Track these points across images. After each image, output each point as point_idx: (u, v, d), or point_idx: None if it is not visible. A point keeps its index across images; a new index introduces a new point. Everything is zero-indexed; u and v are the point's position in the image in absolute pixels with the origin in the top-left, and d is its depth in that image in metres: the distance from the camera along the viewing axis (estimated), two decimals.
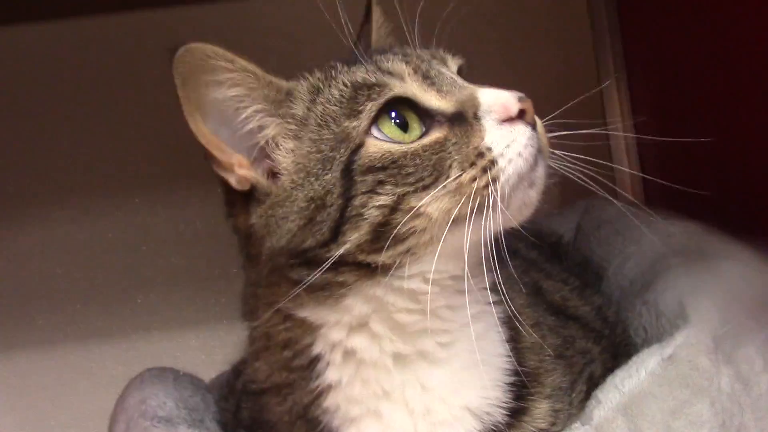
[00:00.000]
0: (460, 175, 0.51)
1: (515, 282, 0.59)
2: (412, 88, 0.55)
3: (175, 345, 1.38)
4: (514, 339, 0.58)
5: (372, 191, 0.52)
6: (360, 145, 0.53)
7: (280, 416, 0.57)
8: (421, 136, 0.53)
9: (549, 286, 0.70)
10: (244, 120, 0.56)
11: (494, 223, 0.50)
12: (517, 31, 1.33)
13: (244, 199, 0.57)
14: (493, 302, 0.57)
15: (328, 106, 0.56)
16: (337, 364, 0.55)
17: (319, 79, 0.59)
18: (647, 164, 1.29)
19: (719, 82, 0.97)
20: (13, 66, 1.31)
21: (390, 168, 0.52)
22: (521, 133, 0.51)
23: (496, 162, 0.51)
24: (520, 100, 0.52)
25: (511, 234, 0.60)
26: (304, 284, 0.52)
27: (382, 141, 0.53)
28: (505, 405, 0.56)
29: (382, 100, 0.54)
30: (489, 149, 0.52)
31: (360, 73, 0.56)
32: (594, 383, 0.59)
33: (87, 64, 1.31)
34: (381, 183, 0.52)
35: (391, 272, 0.52)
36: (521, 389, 0.57)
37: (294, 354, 0.57)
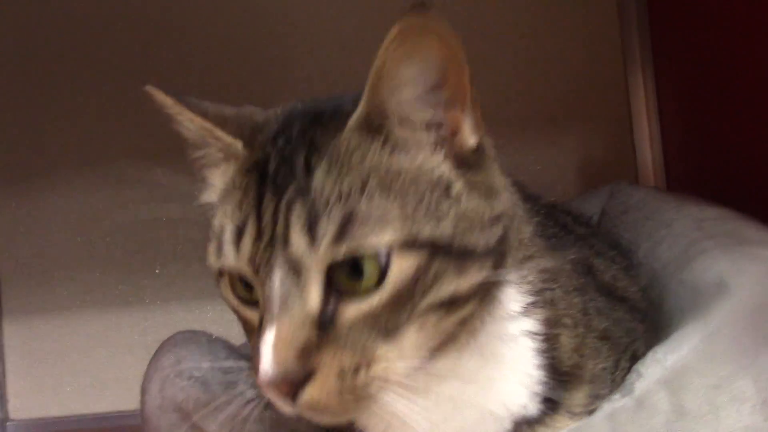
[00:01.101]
0: None
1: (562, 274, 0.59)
2: (250, 276, 0.50)
3: (192, 316, 1.39)
4: (550, 340, 0.57)
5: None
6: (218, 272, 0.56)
7: None
8: (250, 304, 0.53)
9: (599, 265, 0.69)
10: None
11: None
12: (544, 16, 1.32)
13: None
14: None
15: (218, 214, 0.57)
16: None
17: (245, 167, 0.56)
18: (670, 153, 1.29)
19: (746, 73, 0.97)
20: (39, 27, 1.31)
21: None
22: (274, 398, 0.48)
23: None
24: (267, 383, 0.46)
25: (558, 208, 0.60)
26: None
27: (227, 285, 0.56)
28: (538, 399, 0.56)
29: (216, 264, 0.54)
30: None
31: (232, 215, 0.53)
32: (636, 360, 0.59)
33: (118, 28, 1.31)
34: None
35: None
36: (557, 384, 0.56)
37: None
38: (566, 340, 0.57)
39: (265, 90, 1.32)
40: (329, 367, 0.46)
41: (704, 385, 0.55)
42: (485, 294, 0.51)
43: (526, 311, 0.56)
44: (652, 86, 1.30)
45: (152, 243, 1.38)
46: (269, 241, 0.47)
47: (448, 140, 0.51)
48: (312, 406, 0.46)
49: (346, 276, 0.47)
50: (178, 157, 1.37)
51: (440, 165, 0.51)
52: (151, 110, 1.35)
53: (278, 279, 0.47)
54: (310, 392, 0.46)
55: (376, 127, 0.50)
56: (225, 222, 0.50)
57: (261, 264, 0.48)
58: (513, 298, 0.55)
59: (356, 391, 0.46)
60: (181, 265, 1.37)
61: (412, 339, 0.48)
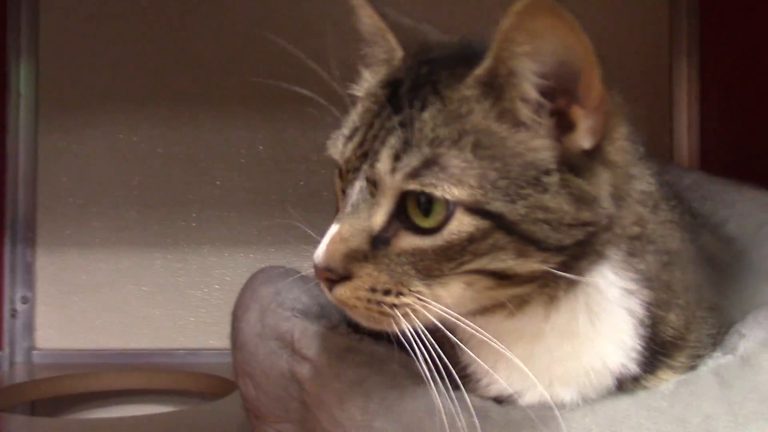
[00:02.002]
0: None
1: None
2: (344, 174, 0.56)
3: (224, 262, 1.40)
4: (657, 317, 0.58)
5: None
6: None
7: None
8: None
9: (706, 235, 0.72)
10: None
11: None
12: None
13: None
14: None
15: None
16: None
17: (381, 78, 0.60)
18: (707, 143, 1.32)
19: None
20: None
21: None
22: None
23: None
24: (316, 267, 0.53)
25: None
26: None
27: None
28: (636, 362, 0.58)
29: (331, 154, 0.57)
30: None
31: (354, 116, 0.58)
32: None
33: None
34: None
35: None
36: (657, 351, 0.59)
37: None
38: (675, 317, 0.59)
39: None
40: (363, 280, 0.51)
41: None
42: (548, 282, 0.53)
43: (631, 292, 0.58)
44: (696, 74, 1.32)
45: (190, 187, 1.38)
46: (364, 153, 0.52)
47: (561, 134, 0.52)
48: (341, 301, 0.52)
49: (415, 207, 0.51)
50: (221, 101, 1.38)
51: (541, 152, 0.52)
52: (196, 52, 1.35)
53: (358, 187, 0.52)
54: (342, 291, 0.52)
55: (495, 87, 0.52)
56: (349, 120, 0.55)
57: (351, 169, 0.53)
58: (612, 282, 0.57)
59: (381, 308, 0.51)
60: (218, 211, 1.38)
61: (456, 291, 0.52)
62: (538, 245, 0.51)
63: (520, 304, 0.54)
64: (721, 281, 0.66)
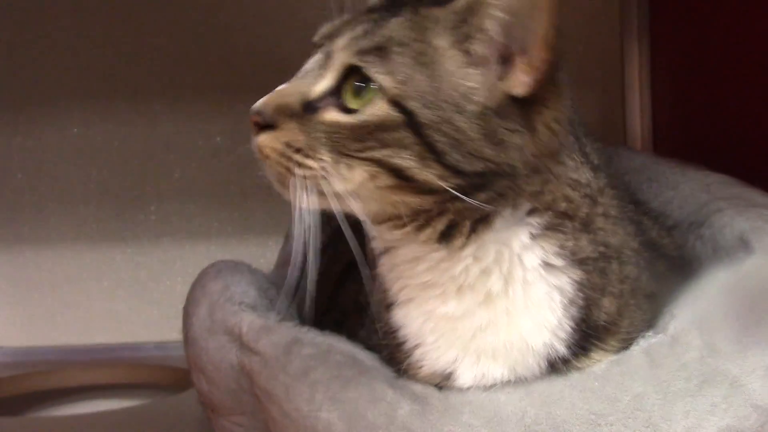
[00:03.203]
0: None
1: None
2: None
3: (185, 254, 1.40)
4: (589, 300, 0.61)
5: None
6: None
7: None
8: None
9: (647, 222, 0.73)
10: None
11: None
12: None
13: None
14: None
15: None
16: None
17: None
18: (659, 125, 1.35)
19: (739, 52, 1.01)
20: None
21: None
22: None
23: None
24: (251, 112, 0.58)
25: None
26: None
27: None
28: (565, 343, 0.61)
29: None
30: None
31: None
32: None
33: None
34: None
35: None
36: (588, 334, 0.61)
37: None
38: (608, 303, 0.61)
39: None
40: (284, 133, 0.56)
41: (732, 327, 0.61)
42: (448, 204, 0.57)
43: (556, 268, 0.60)
44: (646, 57, 1.34)
45: (149, 180, 1.38)
46: (332, 33, 0.59)
47: (498, 73, 0.57)
48: (260, 149, 0.57)
49: (350, 89, 0.56)
50: (176, 94, 1.38)
51: (475, 82, 0.57)
52: (150, 46, 1.35)
53: (315, 58, 0.58)
54: (263, 137, 0.57)
55: (461, 18, 0.57)
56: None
57: (319, 45, 0.59)
58: (527, 247, 0.60)
59: (288, 163, 0.56)
60: (177, 204, 1.38)
61: (358, 177, 0.56)
62: (439, 158, 0.55)
63: (420, 225, 0.58)
64: (666, 273, 0.68)
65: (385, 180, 0.56)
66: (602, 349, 0.62)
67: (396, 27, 0.57)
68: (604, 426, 0.57)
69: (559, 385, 0.59)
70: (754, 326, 0.61)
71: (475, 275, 0.59)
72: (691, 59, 1.18)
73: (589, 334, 0.61)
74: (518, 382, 0.60)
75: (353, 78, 0.56)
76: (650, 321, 0.64)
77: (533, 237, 0.59)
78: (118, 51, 1.35)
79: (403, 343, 0.63)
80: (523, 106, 0.57)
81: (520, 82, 0.57)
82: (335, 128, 0.56)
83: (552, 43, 0.55)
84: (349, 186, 0.56)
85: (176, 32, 1.35)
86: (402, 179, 0.56)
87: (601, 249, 0.62)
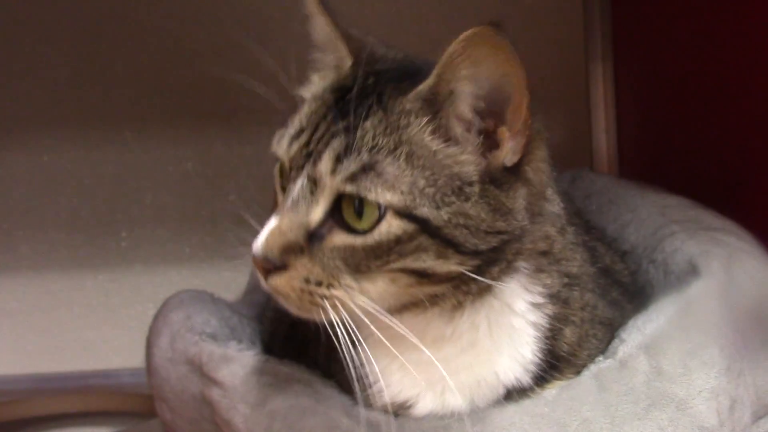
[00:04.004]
0: None
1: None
2: (286, 168, 0.60)
3: (157, 280, 1.40)
4: (554, 331, 0.63)
5: None
6: None
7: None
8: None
9: (600, 249, 0.75)
10: None
11: None
12: (510, 4, 1.36)
13: None
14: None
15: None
16: None
17: (325, 86, 0.64)
18: (624, 145, 1.37)
19: (701, 72, 1.04)
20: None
21: None
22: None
23: None
24: (254, 257, 0.57)
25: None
26: None
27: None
28: (530, 375, 0.62)
29: (274, 151, 0.61)
30: None
31: (300, 115, 0.62)
32: None
33: None
34: None
35: None
36: (551, 365, 0.63)
37: None
38: (570, 333, 0.63)
39: None
40: (299, 271, 0.55)
41: (679, 350, 0.62)
42: (463, 284, 0.58)
43: (537, 306, 0.62)
44: (610, 78, 1.36)
45: (119, 206, 1.38)
46: (308, 153, 0.56)
47: (486, 150, 0.57)
48: (276, 290, 0.56)
49: (350, 208, 0.55)
50: (146, 120, 1.39)
51: (467, 165, 0.57)
52: (119, 72, 1.35)
53: (299, 184, 0.56)
54: (277, 280, 0.56)
55: (434, 103, 0.56)
56: (296, 120, 0.59)
57: (294, 167, 0.57)
58: (519, 295, 0.61)
59: (312, 298, 0.56)
60: (147, 230, 1.38)
61: (381, 286, 0.56)
62: (457, 248, 0.55)
63: (433, 303, 0.58)
64: (620, 300, 0.69)
65: (406, 280, 0.56)
66: (559, 379, 0.63)
67: (374, 134, 0.56)
68: None
69: (510, 411, 0.60)
70: (700, 349, 0.62)
71: (466, 329, 0.61)
72: (654, 80, 1.21)
73: (552, 365, 0.63)
74: (473, 410, 0.61)
75: (348, 199, 0.55)
76: (604, 350, 0.66)
77: (524, 285, 0.61)
78: (88, 78, 1.35)
79: (365, 376, 0.64)
80: (514, 165, 0.58)
81: (510, 150, 0.57)
82: (349, 251, 0.55)
83: (529, 102, 0.55)
84: (372, 295, 0.56)
85: (145, 59, 1.36)
86: (423, 277, 0.56)
87: (566, 280, 0.64)
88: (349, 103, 0.57)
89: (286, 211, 0.56)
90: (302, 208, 0.56)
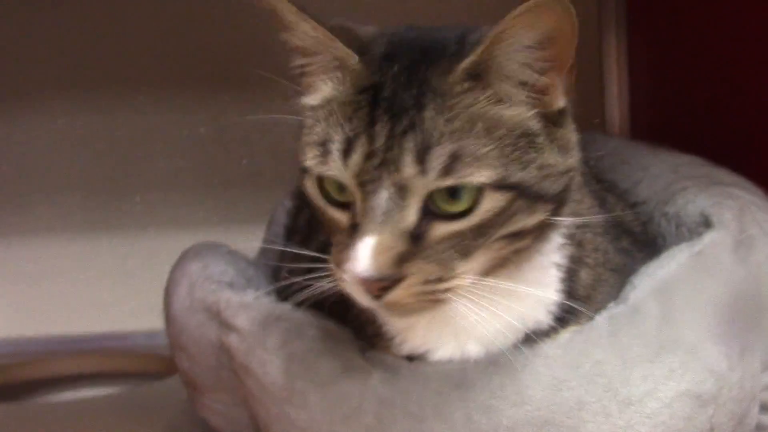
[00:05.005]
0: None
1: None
2: (351, 186, 0.55)
3: (171, 243, 1.40)
4: (571, 272, 0.64)
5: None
6: (305, 170, 0.58)
7: None
8: (340, 206, 0.57)
9: (611, 199, 0.76)
10: None
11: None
12: None
13: None
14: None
15: (324, 119, 0.59)
16: None
17: (356, 86, 0.58)
18: (636, 110, 1.37)
19: (713, 39, 1.04)
20: None
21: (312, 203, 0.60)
22: (356, 292, 0.55)
23: (341, 280, 0.56)
24: (364, 280, 0.53)
25: None
26: None
27: (314, 186, 0.59)
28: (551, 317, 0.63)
29: (319, 170, 0.57)
30: (344, 271, 0.55)
31: (341, 127, 0.56)
32: None
33: None
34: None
35: None
36: (569, 307, 0.63)
37: None
38: (585, 276, 0.64)
39: None
40: (416, 276, 0.54)
41: (689, 295, 0.63)
42: (541, 232, 0.59)
43: (560, 246, 0.63)
44: (624, 45, 1.36)
45: (134, 170, 1.39)
46: (381, 164, 0.53)
47: (541, 98, 0.57)
48: (393, 305, 0.54)
49: (443, 199, 0.54)
50: (160, 85, 1.39)
51: (532, 120, 0.57)
52: (134, 37, 1.36)
53: (384, 196, 0.53)
54: (396, 294, 0.54)
55: (483, 76, 0.56)
56: (332, 132, 0.56)
57: (368, 180, 0.54)
58: (555, 237, 0.62)
59: (433, 296, 0.55)
60: (161, 193, 1.40)
61: (480, 260, 0.56)
62: (544, 198, 0.57)
63: (516, 257, 0.59)
64: (630, 249, 0.70)
65: (501, 244, 0.56)
66: (575, 323, 0.64)
67: (443, 121, 0.54)
68: (566, 390, 0.60)
69: (524, 353, 0.61)
70: (703, 292, 0.63)
71: (515, 276, 0.60)
72: (667, 46, 1.21)
73: (569, 309, 0.63)
74: (489, 354, 0.62)
75: (440, 193, 0.54)
76: (616, 295, 0.66)
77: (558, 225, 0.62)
78: (102, 42, 1.35)
79: (386, 329, 0.65)
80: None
81: (561, 93, 0.57)
82: (455, 237, 0.55)
83: (574, 43, 0.55)
84: (477, 270, 0.56)
85: (160, 23, 1.36)
86: (515, 236, 0.56)
87: (578, 220, 0.64)
88: (391, 100, 0.55)
89: (379, 226, 0.53)
90: (395, 217, 0.53)
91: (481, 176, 0.53)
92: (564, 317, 0.63)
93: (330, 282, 0.57)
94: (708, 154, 0.94)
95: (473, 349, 0.62)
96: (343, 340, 0.65)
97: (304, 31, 0.57)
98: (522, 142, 0.56)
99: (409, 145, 0.53)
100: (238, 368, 0.69)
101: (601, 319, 0.63)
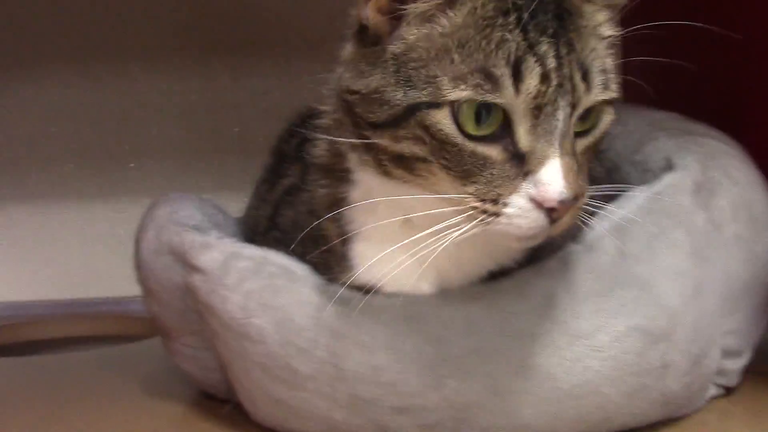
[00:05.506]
0: (473, 198, 0.54)
1: None
2: (520, 111, 0.53)
3: None
4: None
5: (415, 141, 0.55)
6: (436, 105, 0.53)
7: (324, 201, 0.65)
8: (484, 140, 0.54)
9: None
10: None
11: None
12: None
13: None
14: None
15: (460, 48, 0.54)
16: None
17: (492, 9, 0.55)
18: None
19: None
20: None
21: (438, 142, 0.54)
22: (536, 220, 0.53)
23: (501, 215, 0.53)
24: (560, 203, 0.52)
25: None
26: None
27: (451, 122, 0.53)
28: None
29: (484, 98, 0.53)
30: (506, 205, 0.53)
31: (501, 50, 0.53)
32: None
33: None
34: (424, 143, 0.55)
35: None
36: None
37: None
38: None
39: None
40: (584, 193, 0.55)
41: (645, 233, 0.63)
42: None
43: None
44: None
45: (126, 139, 1.41)
46: (557, 85, 0.53)
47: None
48: (563, 226, 0.54)
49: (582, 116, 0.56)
50: (151, 52, 1.39)
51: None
52: (125, 5, 1.36)
53: (561, 117, 0.53)
54: (570, 213, 0.54)
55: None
56: (491, 58, 0.53)
57: (545, 103, 0.53)
58: None
59: (578, 212, 0.56)
60: (155, 161, 1.41)
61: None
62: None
63: None
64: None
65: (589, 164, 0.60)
66: (538, 257, 0.64)
67: (589, 41, 0.56)
68: (515, 322, 0.60)
69: (476, 287, 0.61)
70: (666, 233, 0.64)
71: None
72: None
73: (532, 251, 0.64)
74: (444, 288, 0.63)
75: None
76: (576, 236, 0.67)
77: None
78: (94, 11, 1.37)
79: (350, 264, 0.65)
80: None
81: None
82: (590, 152, 0.58)
83: None
84: None
85: None
86: (597, 155, 0.62)
87: None
88: (537, 22, 0.54)
89: (558, 147, 0.53)
90: (568, 137, 0.54)
91: (613, 92, 0.56)
92: (526, 261, 0.64)
93: (476, 224, 0.54)
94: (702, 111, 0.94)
95: (427, 287, 0.63)
96: (301, 276, 0.66)
97: None
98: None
99: (576, 65, 0.54)
100: (201, 308, 0.70)
101: (554, 258, 0.64)
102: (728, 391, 0.75)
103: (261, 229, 0.76)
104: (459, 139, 0.53)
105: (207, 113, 1.40)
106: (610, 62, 0.56)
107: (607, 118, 0.57)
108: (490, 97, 0.52)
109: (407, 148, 0.55)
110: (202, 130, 1.40)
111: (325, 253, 0.66)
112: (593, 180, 0.73)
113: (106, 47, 1.38)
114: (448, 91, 0.53)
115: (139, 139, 1.40)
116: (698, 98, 1.07)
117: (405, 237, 0.57)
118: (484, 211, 0.54)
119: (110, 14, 1.37)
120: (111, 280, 1.40)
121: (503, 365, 0.60)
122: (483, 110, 0.53)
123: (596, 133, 0.57)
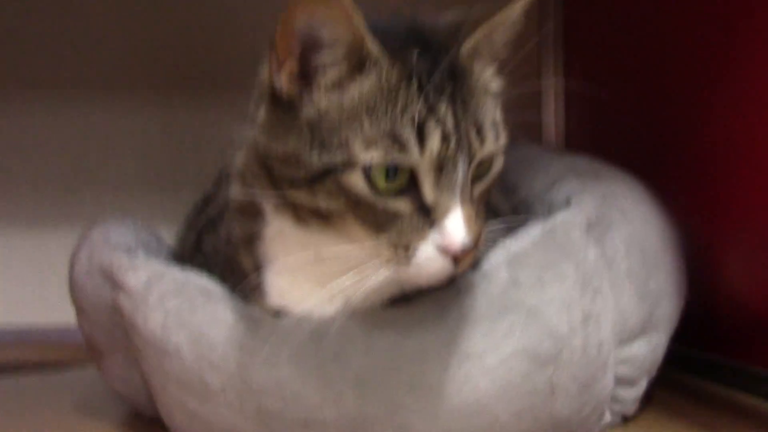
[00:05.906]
0: (386, 246, 0.60)
1: None
2: (425, 168, 0.58)
3: None
4: None
5: (331, 197, 0.60)
6: (350, 167, 0.58)
7: (240, 236, 0.69)
8: (394, 195, 0.58)
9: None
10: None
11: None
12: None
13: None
14: None
15: (369, 113, 0.59)
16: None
17: (396, 78, 0.60)
18: (571, 128, 1.44)
19: (645, 59, 1.10)
20: None
21: (353, 199, 0.59)
22: (443, 265, 0.58)
23: (411, 261, 0.59)
24: (462, 251, 0.57)
25: None
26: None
27: (364, 181, 0.58)
28: None
29: (393, 160, 0.58)
30: (415, 251, 0.59)
31: (406, 115, 0.58)
32: None
33: None
34: (339, 199, 0.60)
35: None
36: None
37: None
38: None
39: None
40: (482, 233, 0.60)
41: (536, 264, 0.69)
42: None
43: None
44: (561, 64, 1.44)
45: (84, 170, 1.44)
46: (456, 143, 0.59)
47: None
48: (465, 265, 0.60)
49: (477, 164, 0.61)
50: (111, 86, 1.43)
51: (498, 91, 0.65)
52: (87, 40, 1.40)
53: (461, 171, 0.59)
54: (473, 254, 0.60)
55: (490, 52, 0.64)
56: (396, 122, 0.58)
57: (447, 160, 0.58)
58: None
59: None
60: (112, 194, 1.44)
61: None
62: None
63: None
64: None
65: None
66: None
67: (479, 97, 0.62)
68: (410, 342, 0.65)
69: (378, 310, 0.66)
70: (555, 264, 0.69)
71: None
72: (600, 65, 1.28)
73: None
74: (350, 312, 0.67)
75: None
76: (475, 266, 0.72)
77: None
78: (57, 46, 1.41)
79: (263, 292, 0.69)
80: None
81: None
82: (486, 194, 0.64)
83: None
84: None
85: (113, 27, 1.42)
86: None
87: None
88: (434, 85, 0.59)
89: (461, 198, 0.58)
90: (467, 187, 0.59)
91: (504, 138, 0.62)
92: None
93: (386, 270, 0.60)
94: (640, 162, 1.00)
95: (331, 310, 0.67)
96: (218, 296, 0.70)
97: (343, 20, 0.57)
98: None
99: (471, 122, 0.60)
100: (127, 325, 0.74)
101: (453, 286, 0.68)
102: (626, 419, 0.80)
103: (187, 253, 0.80)
104: (371, 196, 0.58)
105: (164, 147, 1.44)
106: (498, 114, 0.63)
107: (498, 163, 0.63)
108: (399, 159, 0.58)
109: (324, 202, 0.60)
110: (158, 163, 1.44)
111: (242, 279, 0.70)
112: (497, 214, 0.79)
113: (64, 80, 1.41)
114: (361, 154, 0.58)
115: (97, 171, 1.43)
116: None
117: (317, 270, 0.64)
118: (396, 257, 0.59)
119: (68, 47, 1.41)
120: (62, 306, 1.42)
121: (398, 382, 0.64)
122: (392, 168, 0.59)
123: (490, 177, 0.63)
